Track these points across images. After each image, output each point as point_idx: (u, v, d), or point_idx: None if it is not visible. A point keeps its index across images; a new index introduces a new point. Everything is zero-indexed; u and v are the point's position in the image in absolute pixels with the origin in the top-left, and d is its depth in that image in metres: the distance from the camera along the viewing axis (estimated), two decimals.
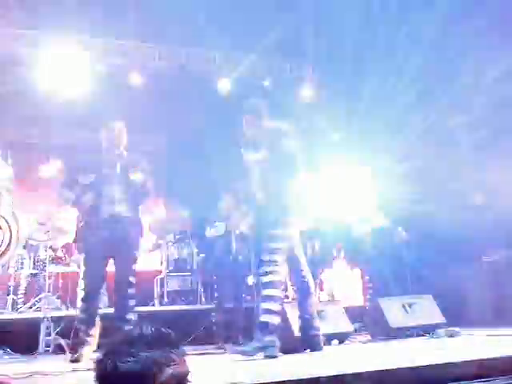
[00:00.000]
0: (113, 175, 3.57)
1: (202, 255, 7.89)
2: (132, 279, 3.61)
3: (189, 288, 7.62)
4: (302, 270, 3.62)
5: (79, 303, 4.01)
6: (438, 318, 4.66)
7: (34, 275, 6.98)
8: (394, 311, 4.56)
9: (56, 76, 7.18)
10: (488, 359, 2.28)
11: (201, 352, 4.76)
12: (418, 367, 2.19)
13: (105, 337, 3.32)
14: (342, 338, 4.33)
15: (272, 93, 10.28)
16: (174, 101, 10.33)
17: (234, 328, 5.43)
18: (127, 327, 3.24)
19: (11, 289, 6.79)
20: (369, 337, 4.74)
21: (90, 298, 3.54)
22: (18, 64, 7.31)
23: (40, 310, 6.15)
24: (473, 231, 6.36)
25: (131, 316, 3.55)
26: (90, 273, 3.57)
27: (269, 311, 3.28)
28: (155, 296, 7.29)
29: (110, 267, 3.84)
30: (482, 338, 3.96)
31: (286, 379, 1.99)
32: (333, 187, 7.73)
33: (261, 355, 3.25)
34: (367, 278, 6.22)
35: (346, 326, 4.46)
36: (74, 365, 3.28)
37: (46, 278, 6.46)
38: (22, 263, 7.03)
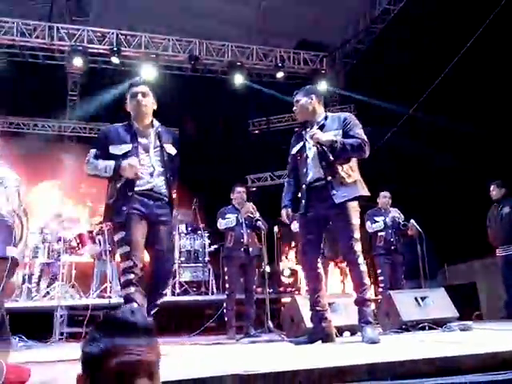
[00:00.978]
0: (149, 144, 3.27)
1: (214, 246, 7.96)
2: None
3: (200, 279, 7.69)
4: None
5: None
6: (451, 311, 4.63)
7: (47, 264, 7.08)
8: (407, 304, 4.54)
9: None
10: (502, 352, 2.26)
11: (213, 342, 4.80)
12: (433, 359, 2.18)
13: None
14: (353, 329, 4.33)
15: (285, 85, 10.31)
16: (186, 92, 10.38)
17: (246, 319, 5.46)
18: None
19: (26, 277, 6.90)
20: (380, 329, 4.73)
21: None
22: None
23: (54, 299, 6.25)
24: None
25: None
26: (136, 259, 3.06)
27: None
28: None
29: None
30: (495, 332, 3.93)
31: (300, 369, 2.00)
32: None
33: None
34: (379, 271, 6.20)
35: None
36: None
37: (60, 268, 6.54)
38: (36, 252, 7.13)
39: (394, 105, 8.82)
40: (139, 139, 3.22)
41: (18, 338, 4.68)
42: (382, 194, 6.41)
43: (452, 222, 7.76)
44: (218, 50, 9.72)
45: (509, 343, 2.49)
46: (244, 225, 5.39)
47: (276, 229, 8.30)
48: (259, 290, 6.47)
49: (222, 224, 5.50)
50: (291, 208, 3.65)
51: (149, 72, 9.17)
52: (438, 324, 4.36)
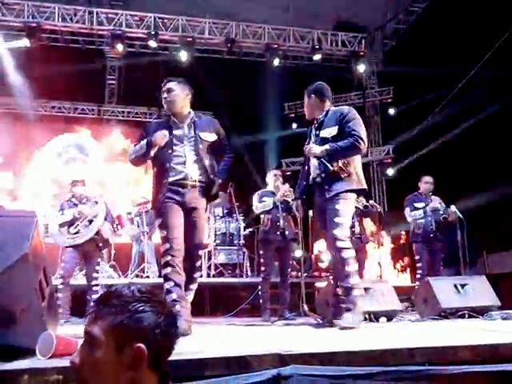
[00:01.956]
0: (183, 135, 3.43)
1: (249, 230, 8.01)
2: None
3: (235, 261, 7.78)
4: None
5: None
6: (492, 300, 4.51)
7: None
8: (446, 291, 4.44)
9: None
10: None
11: (248, 323, 4.86)
12: (475, 346, 2.14)
13: None
14: (390, 315, 4.30)
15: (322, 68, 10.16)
16: (222, 75, 10.38)
17: (280, 302, 5.48)
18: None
19: None
20: (418, 316, 4.67)
21: None
22: None
23: None
24: None
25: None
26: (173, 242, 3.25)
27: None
28: (202, 268, 7.48)
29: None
30: None
31: (341, 350, 2.01)
32: None
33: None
34: (417, 257, 6.09)
35: (395, 303, 4.41)
36: None
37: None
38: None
39: (434, 86, 8.55)
40: (174, 131, 3.40)
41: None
42: (424, 178, 6.13)
43: (494, 210, 7.53)
44: (254, 32, 9.65)
45: None
46: (280, 208, 5.37)
47: (311, 213, 8.25)
48: (294, 273, 6.48)
49: (258, 207, 5.50)
50: (301, 200, 3.96)
51: (185, 55, 9.21)
52: (478, 312, 4.26)
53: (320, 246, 8.79)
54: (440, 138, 8.83)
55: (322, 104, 3.77)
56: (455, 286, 4.51)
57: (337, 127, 3.59)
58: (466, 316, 4.27)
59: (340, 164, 3.52)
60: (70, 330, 3.61)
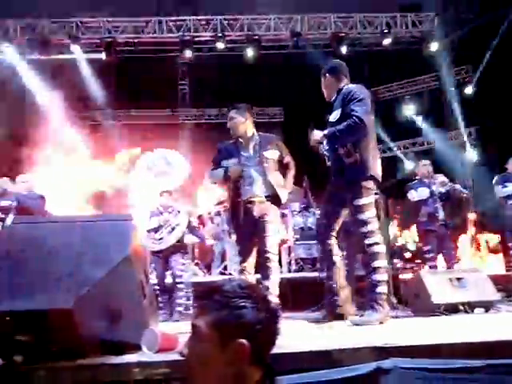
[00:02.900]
0: (249, 157, 3.79)
1: None
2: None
3: (315, 256, 7.73)
4: None
5: None
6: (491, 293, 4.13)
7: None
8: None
9: None
10: None
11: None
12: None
13: None
14: (486, 305, 4.06)
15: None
16: (289, 70, 10.35)
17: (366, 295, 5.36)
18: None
19: None
20: None
21: None
22: None
23: None
24: None
25: None
26: (242, 250, 3.81)
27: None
28: (283, 263, 7.51)
29: None
30: None
31: (442, 342, 1.93)
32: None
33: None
34: (510, 244, 5.69)
35: (491, 293, 4.16)
36: None
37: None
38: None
39: None
40: (242, 153, 3.80)
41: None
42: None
43: None
44: (319, 23, 9.52)
45: None
46: None
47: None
48: None
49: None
50: None
51: (251, 53, 9.31)
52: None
53: (406, 236, 8.52)
54: None
55: (338, 83, 3.58)
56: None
57: (340, 109, 3.41)
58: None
59: (344, 149, 3.33)
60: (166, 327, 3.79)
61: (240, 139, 3.83)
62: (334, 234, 3.62)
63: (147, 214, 5.87)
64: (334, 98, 3.59)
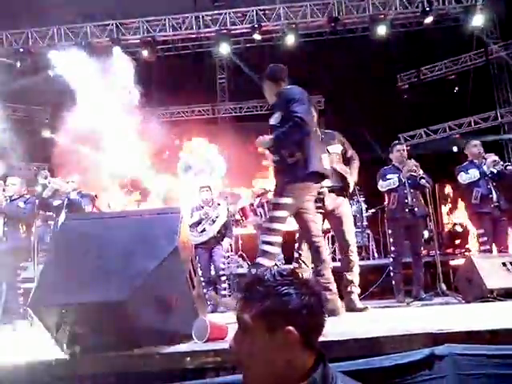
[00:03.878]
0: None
1: (372, 210, 7.80)
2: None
3: (360, 244, 7.62)
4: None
5: None
6: None
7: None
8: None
9: None
10: None
11: (383, 306, 4.75)
12: None
13: None
14: None
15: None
16: (328, 56, 10.18)
17: (415, 282, 5.25)
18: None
19: None
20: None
21: None
22: None
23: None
24: None
25: None
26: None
27: None
28: (329, 252, 7.45)
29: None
30: None
31: (500, 328, 1.86)
32: None
33: None
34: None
35: None
36: None
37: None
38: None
39: None
40: None
41: None
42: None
43: None
44: (357, 6, 9.29)
45: None
46: (407, 184, 5.14)
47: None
48: (424, 252, 6.16)
49: (383, 186, 5.30)
50: None
51: (290, 42, 9.24)
52: None
53: (456, 219, 8.26)
54: None
55: (277, 87, 3.52)
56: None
57: (280, 112, 3.36)
58: None
59: (287, 150, 3.29)
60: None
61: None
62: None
63: (189, 210, 6.14)
64: (273, 101, 3.57)
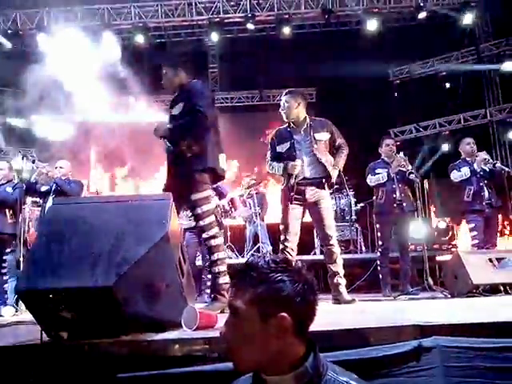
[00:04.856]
0: (301, 140, 4.04)
1: (361, 205, 7.83)
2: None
3: (348, 237, 7.66)
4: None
5: None
6: None
7: None
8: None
9: None
10: None
11: (370, 299, 4.78)
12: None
13: None
14: None
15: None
16: (320, 49, 10.14)
17: (402, 276, 5.29)
18: None
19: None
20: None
21: None
22: None
23: None
24: None
25: None
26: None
27: None
28: (315, 246, 7.48)
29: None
30: None
31: (483, 321, 1.88)
32: None
33: None
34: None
35: None
36: None
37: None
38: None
39: None
40: (294, 136, 4.06)
41: None
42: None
43: None
44: None
45: None
46: (395, 179, 5.16)
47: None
48: (412, 247, 6.21)
49: (372, 180, 5.31)
50: None
51: (283, 33, 9.19)
52: None
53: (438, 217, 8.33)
54: None
55: (176, 77, 3.48)
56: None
57: (183, 103, 3.34)
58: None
59: (186, 141, 3.23)
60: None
61: (292, 123, 4.08)
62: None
63: None
64: (176, 93, 3.52)
